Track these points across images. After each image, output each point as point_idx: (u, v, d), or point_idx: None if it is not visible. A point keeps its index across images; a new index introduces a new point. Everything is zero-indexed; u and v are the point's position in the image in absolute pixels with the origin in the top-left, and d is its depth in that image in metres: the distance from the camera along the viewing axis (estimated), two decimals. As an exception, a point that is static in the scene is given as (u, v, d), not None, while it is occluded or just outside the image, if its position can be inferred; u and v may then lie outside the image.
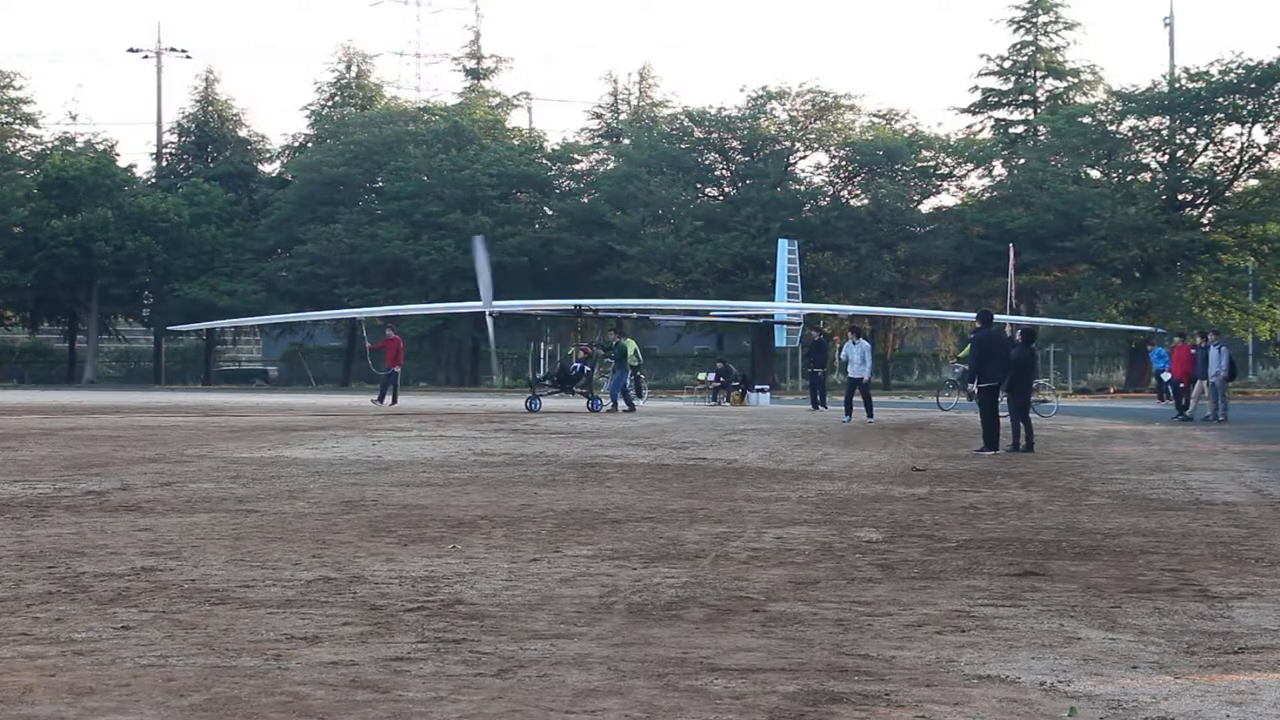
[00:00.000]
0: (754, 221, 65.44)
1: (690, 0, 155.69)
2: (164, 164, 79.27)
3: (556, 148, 75.60)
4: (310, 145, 75.84)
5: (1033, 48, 69.94)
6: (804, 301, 51.43)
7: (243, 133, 79.38)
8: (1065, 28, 70.04)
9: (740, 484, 15.76)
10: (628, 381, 38.40)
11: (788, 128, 69.91)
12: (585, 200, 71.55)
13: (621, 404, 37.54)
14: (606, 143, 75.52)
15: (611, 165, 72.74)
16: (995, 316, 25.15)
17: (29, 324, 76.35)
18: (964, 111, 71.49)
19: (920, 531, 11.59)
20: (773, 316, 49.58)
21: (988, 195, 68.14)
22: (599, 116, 76.48)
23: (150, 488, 14.46)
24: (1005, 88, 70.58)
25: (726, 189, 70.81)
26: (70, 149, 74.65)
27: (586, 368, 38.20)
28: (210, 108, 78.57)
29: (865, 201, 68.51)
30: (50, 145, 76.57)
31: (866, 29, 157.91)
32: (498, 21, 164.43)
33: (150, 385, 69.15)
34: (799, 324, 48.02)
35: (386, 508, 12.81)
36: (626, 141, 73.45)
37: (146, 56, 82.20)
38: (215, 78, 79.65)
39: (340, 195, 70.97)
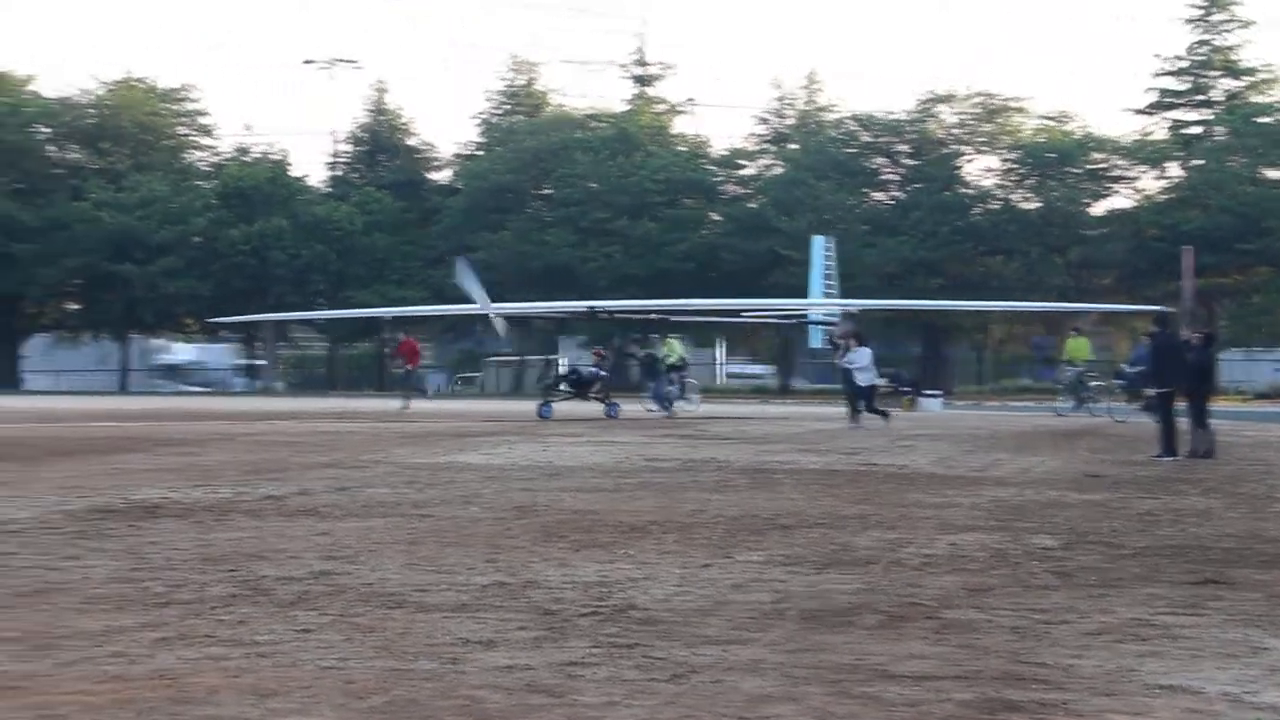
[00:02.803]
0: (922, 225, 64.91)
1: (856, 5, 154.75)
2: (337, 173, 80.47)
3: (723, 153, 75.53)
4: (479, 153, 76.53)
5: (1208, 47, 68.50)
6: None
7: (413, 141, 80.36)
8: (1240, 26, 68.56)
9: (912, 490, 15.62)
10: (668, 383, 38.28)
11: (956, 131, 69.26)
12: (752, 205, 71.39)
13: (655, 407, 37.34)
14: (773, 148, 75.27)
15: (778, 170, 72.52)
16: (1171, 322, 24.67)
17: (208, 331, 77.85)
18: (1138, 112, 70.21)
19: (1097, 538, 11.40)
20: (806, 316, 47.47)
21: (1163, 197, 66.79)
22: (765, 122, 76.26)
23: (327, 492, 14.66)
24: (1181, 88, 69.21)
25: (894, 193, 70.27)
26: (246, 159, 76.07)
27: (602, 372, 37.19)
28: (381, 117, 79.62)
29: (1036, 204, 67.63)
30: (227, 156, 78.14)
31: (1036, 31, 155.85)
32: (664, 28, 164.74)
33: (326, 391, 70.17)
34: (834, 323, 46.17)
35: (558, 513, 12.87)
36: (793, 146, 73.15)
37: (320, 68, 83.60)
38: (385, 87, 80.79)
39: (509, 202, 71.54)
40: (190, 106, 79.95)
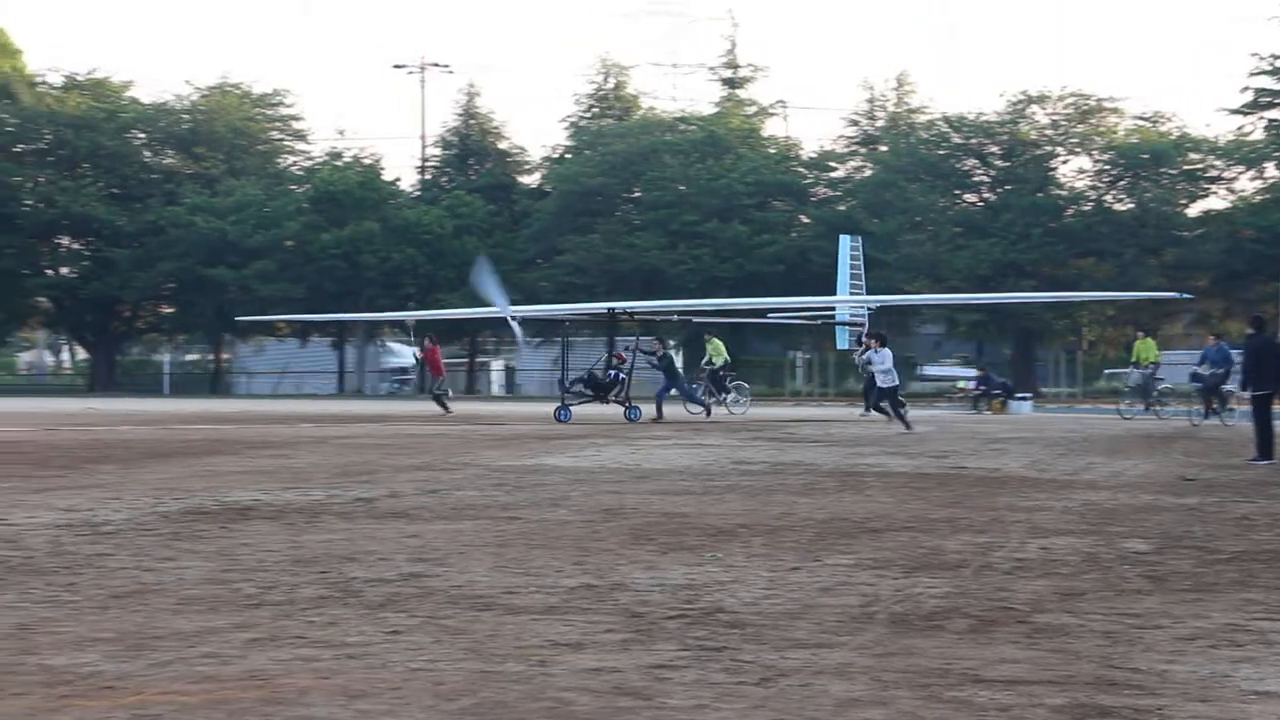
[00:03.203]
0: (1014, 227, 64.47)
1: (948, 5, 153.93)
2: (427, 177, 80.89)
3: (813, 155, 75.37)
4: (569, 156, 76.72)
5: (1307, 45, 67.60)
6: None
7: (503, 145, 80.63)
8: (1341, 23, 67.60)
9: (1002, 493, 15.52)
10: (694, 385, 38.01)
11: (1049, 132, 68.72)
12: (842, 208, 71.18)
13: (697, 408, 37.09)
14: (863, 149, 75.01)
15: (868, 172, 72.28)
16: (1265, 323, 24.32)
17: (300, 335, 78.49)
18: (1234, 112, 69.34)
19: (1191, 543, 11.28)
20: (833, 316, 46.03)
21: (1260, 198, 65.97)
22: (855, 124, 75.97)
23: (417, 495, 14.75)
24: (1278, 87, 68.33)
25: (986, 194, 69.82)
26: (339, 164, 76.64)
27: (622, 375, 36.40)
28: (472, 121, 79.98)
29: (1130, 205, 67.03)
30: (320, 161, 78.79)
31: (1130, 31, 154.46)
32: (753, 30, 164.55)
33: (416, 395, 70.55)
34: (862, 323, 44.37)
35: (646, 515, 12.88)
36: (883, 148, 72.88)
37: (411, 72, 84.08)
38: (476, 91, 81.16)
39: (598, 205, 71.67)
40: (284, 111, 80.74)
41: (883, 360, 31.76)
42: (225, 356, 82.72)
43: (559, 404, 35.44)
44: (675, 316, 42.22)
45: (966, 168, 70.28)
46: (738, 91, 79.55)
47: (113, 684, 6.20)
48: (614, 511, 13.19)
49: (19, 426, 31.28)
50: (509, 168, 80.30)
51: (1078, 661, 6.83)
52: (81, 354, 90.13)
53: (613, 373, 36.41)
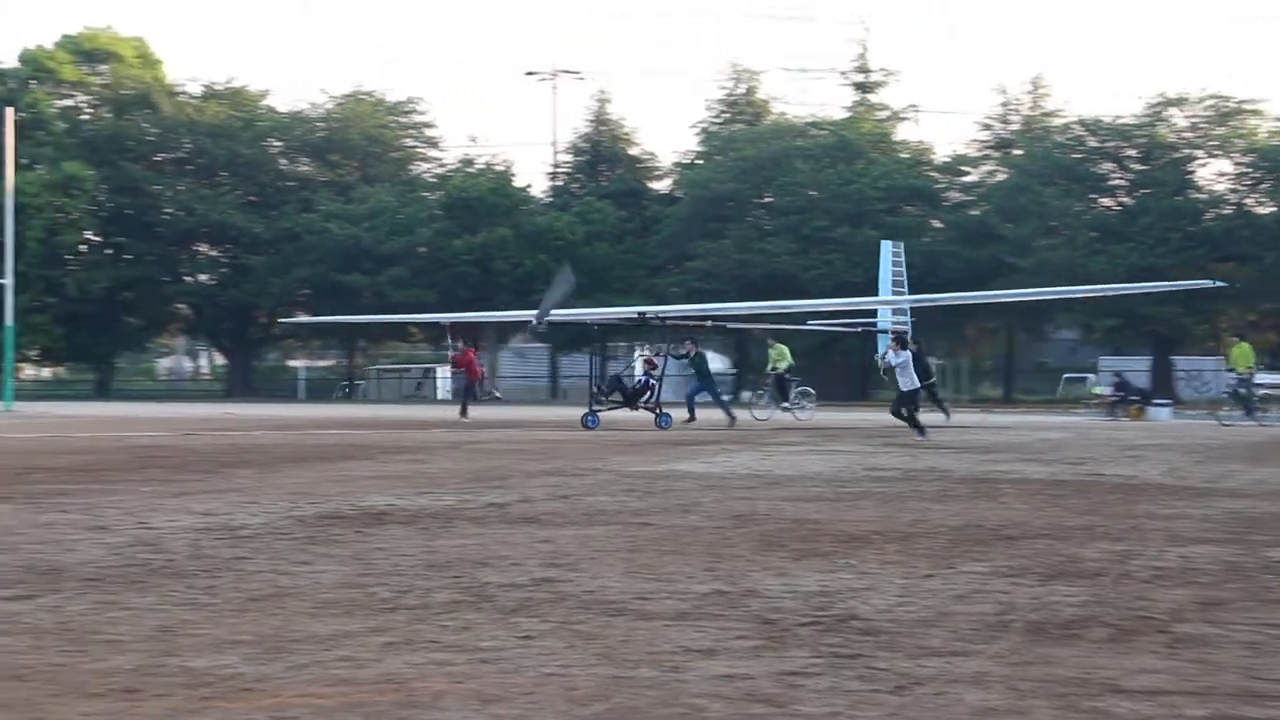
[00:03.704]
0: (1152, 231, 63.66)
1: (1083, 7, 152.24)
2: (559, 183, 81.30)
3: (945, 160, 74.88)
4: (700, 162, 76.77)
5: None
6: None
7: (634, 151, 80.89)
8: None
9: (1141, 501, 15.28)
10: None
11: (1188, 134, 67.81)
12: (975, 212, 70.65)
13: (763, 414, 36.46)
14: (997, 154, 74.40)
15: (1002, 176, 71.66)
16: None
17: (432, 342, 79.22)
18: (1381, 113, 68.14)
19: (1336, 552, 11.04)
20: (874, 324, 44.81)
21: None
22: (989, 127, 75.39)
23: (548, 500, 14.79)
24: None
25: (1123, 198, 68.99)
26: (471, 171, 77.26)
27: (651, 380, 35.96)
28: (603, 127, 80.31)
29: (1271, 209, 65.89)
30: (452, 168, 79.47)
31: (1272, 31, 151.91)
32: (885, 35, 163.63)
33: (549, 400, 70.90)
34: (906, 331, 44.18)
35: (778, 522, 12.82)
36: (1018, 152, 72.23)
37: (543, 79, 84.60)
38: (607, 97, 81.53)
39: (729, 211, 71.67)
40: (417, 119, 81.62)
41: (903, 362, 31.17)
42: (359, 362, 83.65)
43: (588, 410, 34.98)
44: (709, 322, 41.46)
45: (1103, 171, 69.51)
46: (869, 96, 79.24)
47: (251, 686, 6.26)
48: (745, 517, 13.15)
49: (158, 431, 31.82)
50: (640, 173, 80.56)
51: (1220, 672, 6.70)
52: (219, 360, 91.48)
53: (643, 378, 36.04)
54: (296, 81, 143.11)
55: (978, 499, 15.32)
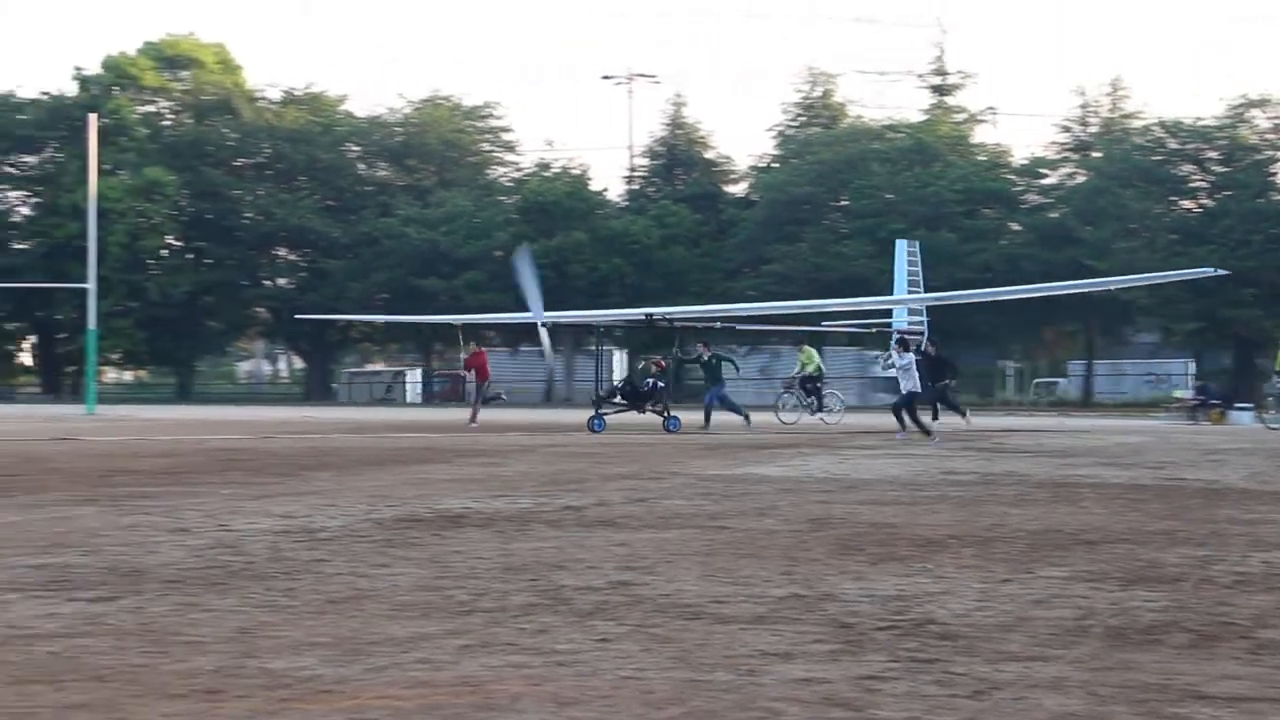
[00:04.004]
0: (1233, 234, 63.04)
1: (1162, 8, 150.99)
2: (634, 187, 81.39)
3: (1023, 162, 74.40)
4: (776, 165, 76.66)
5: None
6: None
7: (710, 155, 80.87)
8: None
9: (1222, 505, 15.13)
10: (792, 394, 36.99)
11: (1270, 136, 67.09)
12: (1053, 215, 70.18)
13: (789, 418, 35.96)
14: (1075, 156, 73.86)
15: (1081, 179, 71.14)
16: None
17: (510, 345, 79.48)
18: None
19: None
20: (889, 326, 43.51)
21: None
22: (1068, 129, 74.84)
23: (625, 503, 14.80)
24: None
25: (1204, 200, 68.35)
26: (547, 175, 77.46)
27: (660, 383, 35.34)
28: (678, 131, 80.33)
29: (1356, 211, 65.19)
30: (529, 172, 79.72)
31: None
32: (963, 37, 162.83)
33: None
34: (921, 333, 42.26)
35: (854, 525, 12.78)
36: (1097, 154, 71.70)
37: (619, 83, 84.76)
38: (683, 101, 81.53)
39: (805, 214, 71.54)
40: (493, 123, 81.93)
41: (906, 365, 30.83)
42: (435, 366, 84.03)
43: (593, 413, 34.42)
44: (718, 323, 40.45)
45: (1183, 173, 68.93)
46: (946, 98, 78.85)
47: (330, 688, 6.30)
48: (822, 521, 13.11)
49: (238, 434, 32.08)
50: (715, 177, 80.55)
51: (1303, 679, 6.63)
52: (298, 363, 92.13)
53: (649, 381, 35.49)
54: (374, 86, 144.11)
55: (1056, 503, 15.21)
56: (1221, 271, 39.34)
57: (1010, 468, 20.96)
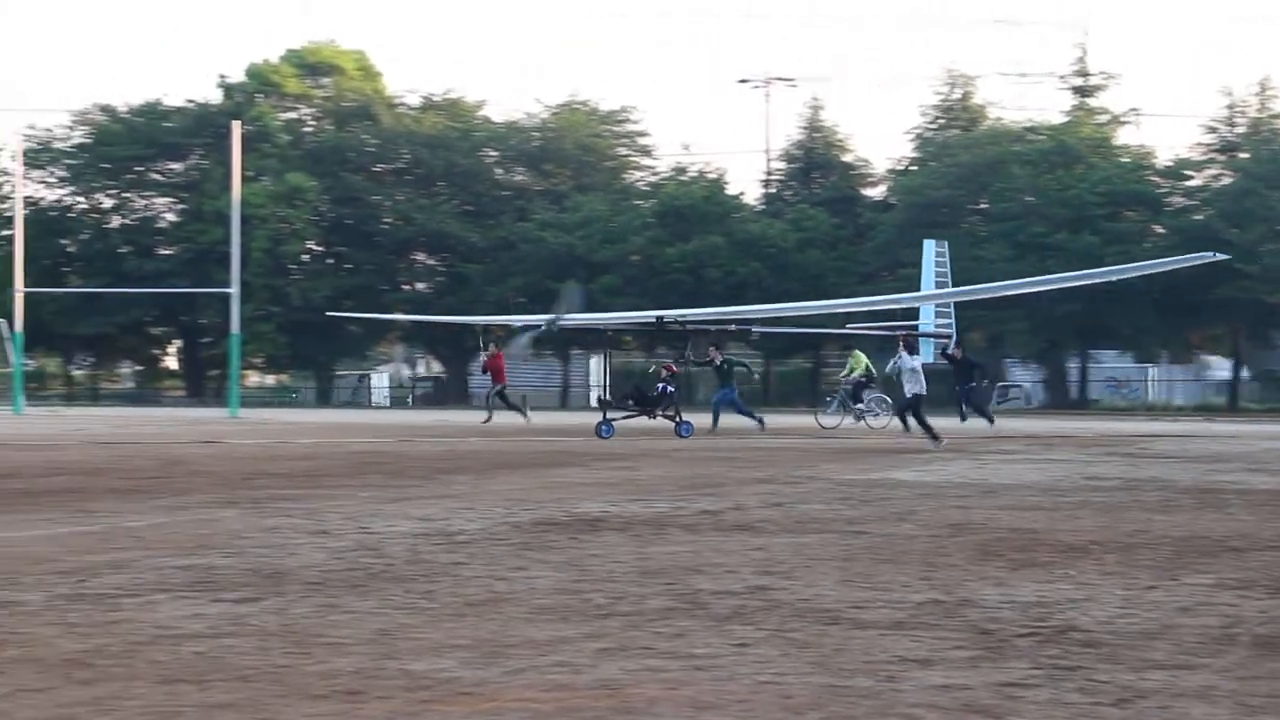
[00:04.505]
0: (1391, 235, 61.71)
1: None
2: (771, 190, 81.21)
3: (1168, 164, 73.26)
4: (914, 168, 76.15)
5: None
6: None
7: (847, 158, 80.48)
8: None
9: (1373, 513, 14.82)
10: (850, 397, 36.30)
11: None
12: (1199, 217, 69.04)
13: (830, 422, 35.25)
14: (1222, 157, 72.58)
15: (1227, 180, 69.92)
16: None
17: (647, 349, 79.56)
18: None
19: None
20: (916, 327, 42.66)
21: None
22: (1213, 130, 73.54)
23: (761, 508, 14.77)
24: None
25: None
26: (683, 179, 77.50)
27: (670, 388, 34.46)
28: (815, 134, 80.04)
29: None
30: (665, 176, 79.83)
31: None
32: (1106, 37, 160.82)
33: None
34: (949, 335, 41.86)
35: (994, 531, 12.65)
36: (1244, 155, 70.42)
37: (755, 87, 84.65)
38: (820, 104, 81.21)
39: (944, 217, 70.88)
40: (630, 127, 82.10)
41: (912, 367, 30.17)
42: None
43: (601, 419, 33.58)
44: (733, 326, 39.28)
45: (1333, 174, 67.52)
46: (1089, 100, 77.79)
47: (469, 690, 6.34)
48: (961, 526, 13.00)
49: (376, 438, 32.42)
50: (853, 180, 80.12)
51: None
52: (436, 367, 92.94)
53: (660, 385, 34.81)
54: (512, 91, 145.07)
55: (1202, 509, 14.97)
56: (1222, 256, 37.81)
57: (1154, 473, 20.66)
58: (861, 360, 39.49)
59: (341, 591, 9.00)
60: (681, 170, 79.25)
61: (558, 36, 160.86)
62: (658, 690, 6.32)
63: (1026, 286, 43.40)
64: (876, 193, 79.94)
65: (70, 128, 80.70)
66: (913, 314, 43.59)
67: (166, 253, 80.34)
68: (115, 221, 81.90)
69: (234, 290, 52.85)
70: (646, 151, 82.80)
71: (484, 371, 43.96)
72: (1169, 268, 46.08)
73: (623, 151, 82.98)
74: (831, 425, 36.50)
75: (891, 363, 31.71)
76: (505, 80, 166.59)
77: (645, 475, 19.98)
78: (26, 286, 57.10)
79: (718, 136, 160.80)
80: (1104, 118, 77.08)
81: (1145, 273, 47.37)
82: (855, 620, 8.09)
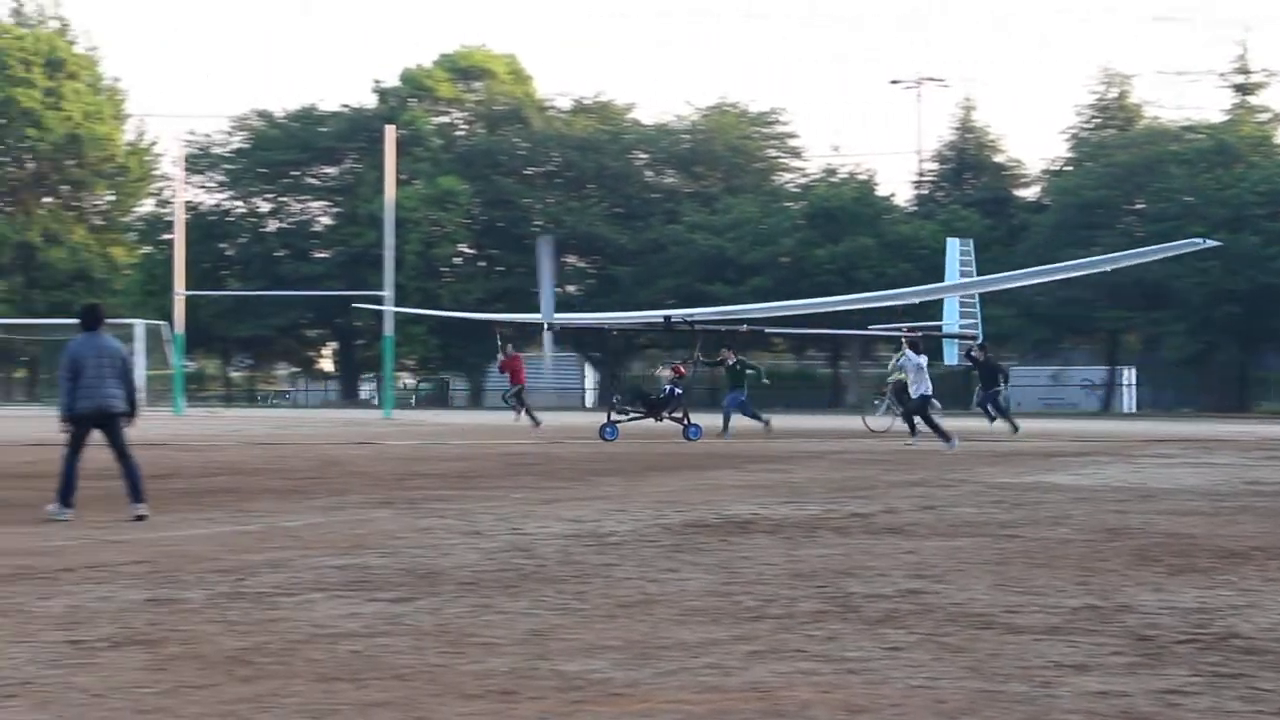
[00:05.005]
0: None
1: None
2: (923, 191, 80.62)
3: (1332, 163, 71.67)
4: (1069, 168, 75.20)
5: None
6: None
7: (999, 158, 79.66)
8: None
9: None
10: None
11: None
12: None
13: (878, 426, 34.40)
14: (1390, 155, 70.90)
15: (1395, 179, 68.28)
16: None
17: (795, 351, 79.36)
18: None
19: None
20: (940, 329, 41.45)
21: None
22: (1380, 127, 71.88)
23: (913, 511, 14.68)
24: None
25: None
26: (834, 180, 77.19)
27: (677, 390, 33.41)
28: (968, 135, 79.33)
29: None
30: (815, 177, 79.56)
31: None
32: (1268, 34, 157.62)
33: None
34: (974, 336, 40.33)
35: (1151, 536, 12.46)
36: None
37: (907, 88, 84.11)
38: (972, 105, 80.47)
39: (1099, 218, 69.89)
40: (780, 129, 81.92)
41: (917, 367, 29.58)
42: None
43: (606, 420, 32.59)
44: (744, 326, 37.91)
45: None
46: (1249, 98, 76.32)
47: (621, 691, 6.36)
48: (1117, 531, 12.82)
49: (526, 439, 32.64)
50: (1006, 181, 79.27)
51: None
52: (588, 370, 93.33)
53: (667, 388, 34.00)
54: (662, 94, 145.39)
55: (1368, 516, 14.63)
56: (1212, 242, 36.41)
57: (1316, 478, 20.23)
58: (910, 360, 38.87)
59: (494, 592, 9.07)
60: (832, 171, 78.92)
61: (707, 39, 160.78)
62: (810, 693, 6.30)
63: (1025, 279, 43.01)
64: (1030, 193, 79.04)
65: (229, 133, 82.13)
66: (935, 315, 42.86)
67: (321, 256, 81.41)
68: (272, 225, 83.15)
69: (388, 293, 53.44)
70: (796, 153, 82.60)
71: (502, 371, 43.94)
72: (1155, 257, 44.43)
73: (772, 153, 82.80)
74: (881, 429, 35.86)
75: (894, 361, 31.24)
76: (655, 83, 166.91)
77: (798, 477, 19.94)
78: (187, 290, 58.16)
79: (868, 138, 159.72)
80: (1265, 116, 75.59)
81: (1135, 262, 45.73)
82: (1009, 625, 8.00)
